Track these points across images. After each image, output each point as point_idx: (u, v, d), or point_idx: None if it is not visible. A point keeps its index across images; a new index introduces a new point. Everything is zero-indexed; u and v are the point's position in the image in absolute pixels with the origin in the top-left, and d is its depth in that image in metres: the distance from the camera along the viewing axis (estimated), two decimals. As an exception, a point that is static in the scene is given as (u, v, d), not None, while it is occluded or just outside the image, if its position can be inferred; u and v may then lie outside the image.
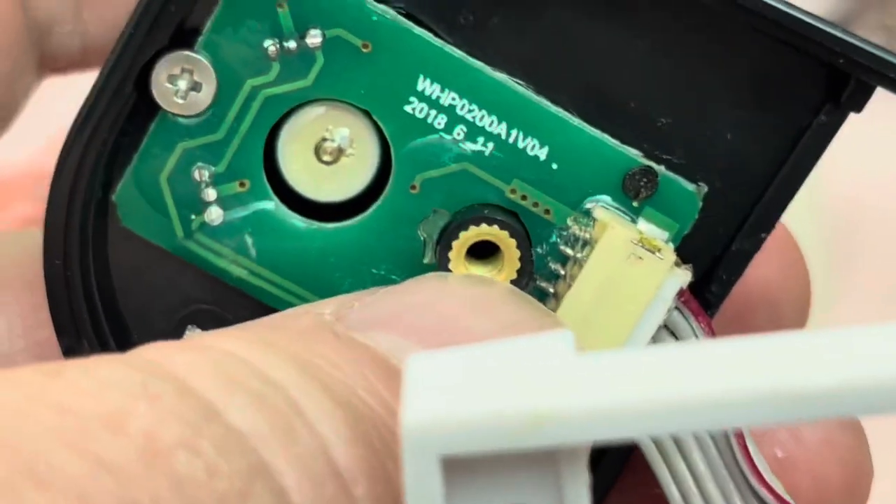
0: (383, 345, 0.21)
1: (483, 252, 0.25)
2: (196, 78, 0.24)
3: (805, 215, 0.50)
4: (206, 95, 0.25)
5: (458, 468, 0.18)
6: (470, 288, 0.23)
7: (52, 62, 0.28)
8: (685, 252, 0.25)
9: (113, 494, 0.16)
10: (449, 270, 0.25)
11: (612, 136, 0.25)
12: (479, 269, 0.25)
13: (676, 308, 0.24)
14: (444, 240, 0.25)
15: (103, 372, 0.18)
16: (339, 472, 0.19)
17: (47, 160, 0.25)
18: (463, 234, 0.25)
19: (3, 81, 0.27)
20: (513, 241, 0.25)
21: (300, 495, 0.18)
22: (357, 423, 0.19)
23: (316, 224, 0.25)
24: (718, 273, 0.26)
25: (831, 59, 0.24)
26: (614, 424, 0.17)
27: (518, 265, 0.25)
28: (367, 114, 0.25)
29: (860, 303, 0.57)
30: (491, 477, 0.19)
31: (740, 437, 0.23)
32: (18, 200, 0.40)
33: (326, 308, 0.22)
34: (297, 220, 0.25)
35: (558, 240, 0.25)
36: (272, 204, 0.25)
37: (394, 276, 0.25)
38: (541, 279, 0.25)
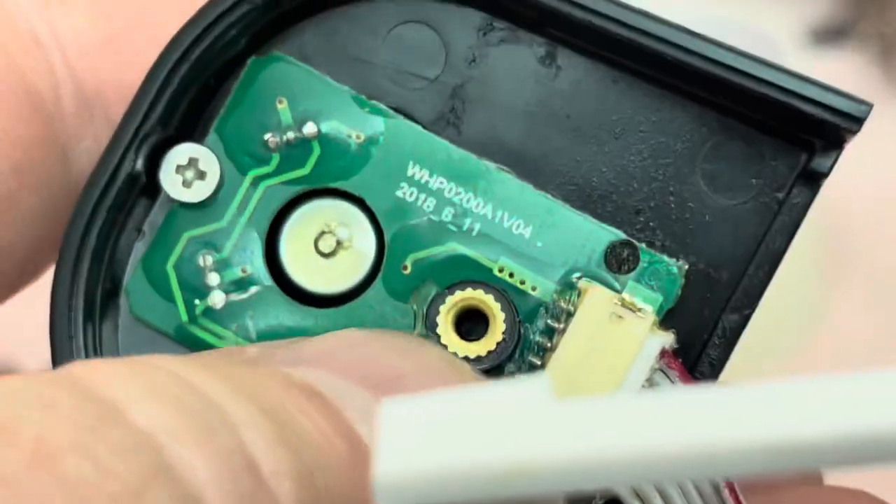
0: (310, 377, 0.21)
1: (471, 333, 0.26)
2: (202, 168, 0.26)
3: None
4: (210, 185, 0.26)
5: None
6: (391, 336, 0.24)
7: None
8: (670, 328, 0.26)
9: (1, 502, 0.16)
10: (438, 338, 0.26)
11: (595, 218, 0.26)
12: (468, 346, 0.26)
13: (660, 369, 0.25)
14: (432, 306, 0.26)
15: (5, 385, 0.18)
16: (258, 469, 0.19)
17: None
18: (449, 299, 0.26)
19: (32, 218, 0.27)
20: (497, 304, 0.26)
21: (214, 491, 0.18)
22: (284, 432, 0.19)
23: (314, 309, 0.27)
24: (708, 353, 0.26)
25: (795, 123, 0.25)
26: (593, 474, 0.17)
27: (503, 328, 0.26)
28: (361, 202, 0.26)
29: (853, 308, 0.55)
30: None
31: (732, 492, 0.24)
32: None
33: (251, 350, 0.23)
34: (296, 306, 0.27)
35: (545, 314, 0.26)
36: (273, 290, 0.26)
37: (386, 349, 0.26)
38: (529, 353, 0.26)
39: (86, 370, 0.19)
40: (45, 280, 0.28)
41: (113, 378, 0.19)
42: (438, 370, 0.23)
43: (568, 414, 0.18)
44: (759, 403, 0.17)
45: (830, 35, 0.67)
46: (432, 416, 0.18)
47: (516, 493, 0.17)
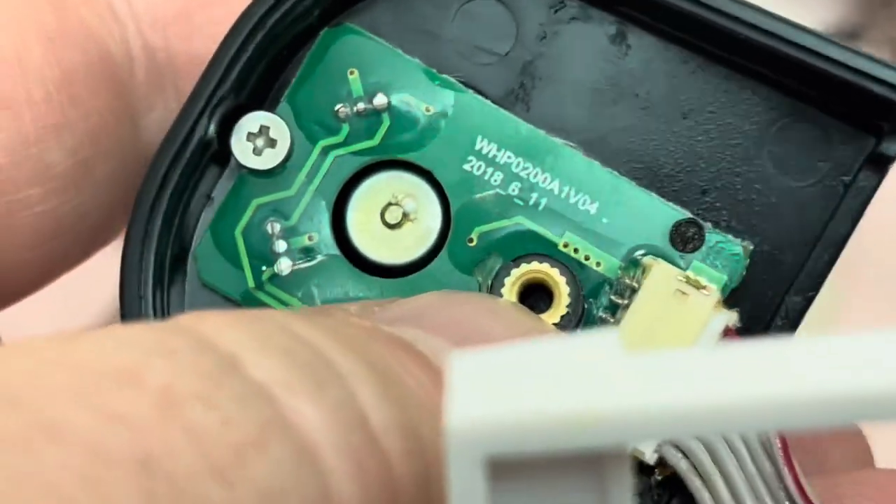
0: (407, 335, 0.22)
1: (536, 305, 0.26)
2: (272, 136, 0.27)
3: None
4: (280, 153, 0.27)
5: (502, 469, 0.18)
6: (480, 297, 0.25)
7: None
8: (734, 308, 0.26)
9: (127, 446, 0.16)
10: (503, 309, 0.26)
11: (661, 196, 0.26)
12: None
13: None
14: (497, 279, 0.26)
15: (122, 333, 0.19)
16: (368, 423, 0.19)
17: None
18: (514, 272, 0.26)
19: (104, 185, 0.28)
20: (562, 279, 0.26)
21: (327, 444, 0.18)
22: (390, 387, 0.20)
23: (378, 278, 0.27)
24: (770, 333, 0.26)
25: (864, 103, 0.25)
26: (664, 425, 0.17)
27: (568, 301, 0.26)
28: (429, 174, 0.27)
29: (864, 310, 0.55)
30: (535, 479, 0.19)
31: (787, 457, 0.24)
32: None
33: (352, 307, 0.23)
34: (360, 273, 0.27)
35: (609, 290, 0.26)
36: (338, 258, 0.27)
37: (451, 319, 0.26)
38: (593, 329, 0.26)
39: (196, 320, 0.19)
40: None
41: (226, 329, 0.19)
42: (527, 331, 0.23)
43: (638, 365, 0.18)
44: (829, 355, 0.17)
45: (843, 38, 0.67)
46: (501, 367, 0.19)
47: (585, 442, 0.17)
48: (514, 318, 0.23)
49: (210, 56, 0.26)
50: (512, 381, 0.18)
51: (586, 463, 0.19)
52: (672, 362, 0.18)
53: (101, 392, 0.17)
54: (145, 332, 0.19)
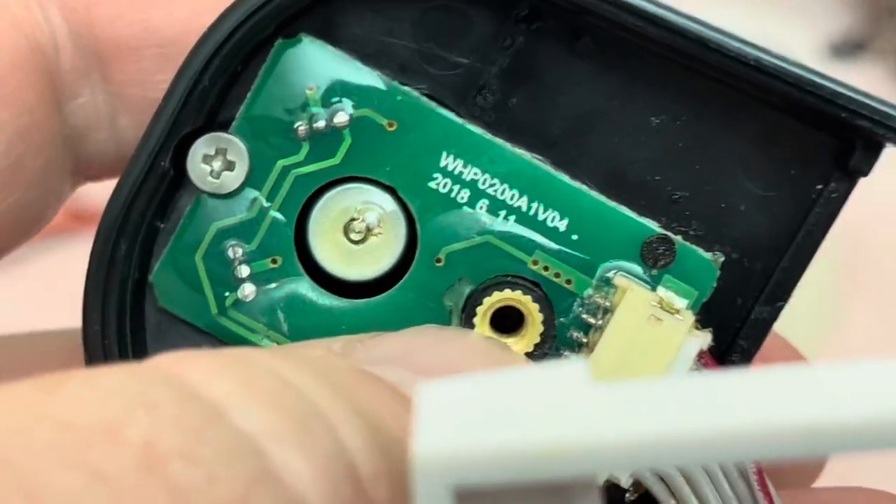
0: (392, 377, 0.21)
1: (506, 325, 0.26)
2: (230, 158, 0.26)
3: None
4: (238, 175, 0.26)
5: (469, 499, 0.18)
6: (463, 336, 0.24)
7: (86, 169, 0.29)
8: (705, 321, 0.26)
9: None
10: (475, 336, 0.25)
11: (630, 208, 0.26)
12: (503, 340, 0.26)
13: (697, 371, 0.25)
14: (469, 306, 0.25)
15: (104, 381, 0.18)
16: (359, 476, 0.19)
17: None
18: (486, 300, 0.25)
19: (37, 179, 0.27)
20: (535, 306, 0.25)
21: (316, 498, 0.18)
22: (378, 434, 0.19)
23: (346, 301, 0.26)
24: (739, 342, 0.26)
25: (835, 121, 0.25)
26: (631, 456, 0.17)
27: (541, 329, 0.25)
28: (393, 191, 0.26)
29: (867, 318, 0.56)
30: None
31: (762, 481, 0.24)
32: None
33: (335, 344, 0.23)
34: (327, 296, 0.26)
35: (580, 309, 0.26)
36: (303, 280, 0.26)
37: (421, 345, 0.26)
38: (564, 349, 0.26)
39: (180, 365, 0.19)
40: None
41: (210, 376, 0.19)
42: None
43: (606, 396, 0.18)
44: (798, 386, 0.17)
45: (848, 49, 0.68)
46: (469, 398, 0.18)
47: (552, 473, 0.17)
48: (496, 358, 0.23)
49: (134, 42, 0.26)
50: (479, 412, 0.18)
51: (554, 492, 0.19)
52: (639, 393, 0.18)
53: (82, 449, 0.17)
54: (127, 379, 0.18)
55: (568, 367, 0.19)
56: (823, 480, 0.32)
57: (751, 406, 0.17)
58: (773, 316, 0.26)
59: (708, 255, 0.26)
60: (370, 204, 0.26)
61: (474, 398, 0.18)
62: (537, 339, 0.25)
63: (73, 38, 0.27)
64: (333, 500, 0.18)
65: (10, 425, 0.17)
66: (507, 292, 0.25)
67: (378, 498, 0.19)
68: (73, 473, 0.17)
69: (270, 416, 0.18)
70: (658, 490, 0.25)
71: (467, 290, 0.26)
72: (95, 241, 0.25)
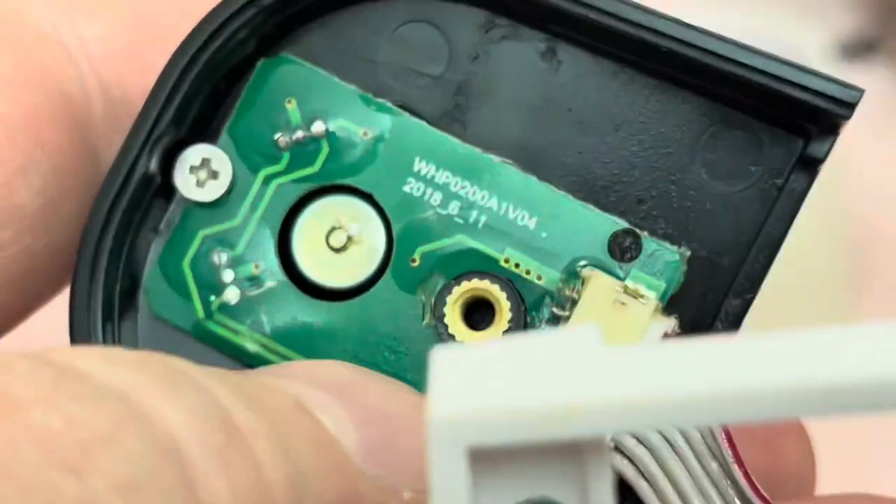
0: (289, 389, 0.22)
1: (479, 320, 0.27)
2: (214, 168, 0.27)
3: (822, 237, 0.50)
4: (223, 184, 0.27)
5: (483, 459, 0.18)
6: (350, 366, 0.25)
7: None
8: (679, 317, 0.27)
9: None
10: (446, 327, 0.26)
11: (598, 207, 0.27)
12: (476, 335, 0.27)
13: (664, 355, 0.26)
14: (439, 297, 0.27)
15: None
16: (235, 426, 0.19)
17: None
18: (456, 289, 0.26)
19: (71, 222, 0.28)
20: (503, 294, 0.26)
21: (188, 438, 0.18)
22: (252, 398, 0.20)
23: (326, 302, 0.27)
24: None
25: (788, 105, 0.26)
26: (642, 415, 0.18)
27: (510, 316, 0.26)
28: (370, 197, 0.27)
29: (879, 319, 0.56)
30: (516, 469, 0.19)
31: (735, 454, 0.24)
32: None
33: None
34: (307, 298, 0.27)
35: (551, 302, 0.27)
36: (286, 284, 0.27)
37: (396, 340, 0.27)
38: (536, 341, 0.27)
39: (54, 350, 0.19)
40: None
41: (72, 352, 0.19)
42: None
43: (618, 358, 0.18)
44: (804, 347, 0.18)
45: (859, 49, 0.68)
46: (483, 361, 0.19)
47: (564, 433, 0.18)
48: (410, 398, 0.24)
49: None
50: (493, 374, 0.19)
51: (567, 453, 0.19)
52: (650, 355, 0.18)
53: None
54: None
55: (580, 331, 0.19)
56: (822, 487, 0.33)
57: (773, 365, 0.18)
58: (744, 308, 0.27)
59: (674, 250, 0.27)
60: (351, 214, 0.27)
61: (487, 361, 0.19)
62: (506, 326, 0.26)
63: (103, 88, 0.29)
64: (208, 441, 0.19)
65: None
66: (476, 281, 0.26)
67: (257, 447, 0.19)
68: None
69: (133, 372, 0.19)
70: (631, 475, 0.25)
71: (440, 283, 0.27)
72: (79, 251, 0.27)
